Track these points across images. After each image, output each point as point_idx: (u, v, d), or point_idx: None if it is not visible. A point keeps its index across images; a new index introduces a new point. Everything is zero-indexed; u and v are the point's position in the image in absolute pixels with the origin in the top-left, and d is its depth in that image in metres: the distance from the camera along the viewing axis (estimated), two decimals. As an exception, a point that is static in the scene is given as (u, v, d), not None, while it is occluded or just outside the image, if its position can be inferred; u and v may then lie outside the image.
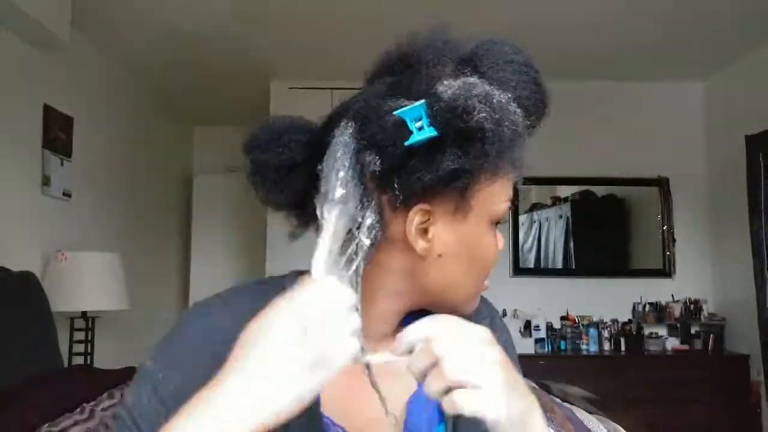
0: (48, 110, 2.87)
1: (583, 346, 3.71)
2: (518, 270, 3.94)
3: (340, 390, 0.61)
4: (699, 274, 3.89)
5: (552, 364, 3.52)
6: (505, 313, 3.79)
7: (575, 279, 3.94)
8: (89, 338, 2.88)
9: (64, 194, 2.98)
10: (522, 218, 3.99)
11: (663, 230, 3.91)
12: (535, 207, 4.05)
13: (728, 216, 3.66)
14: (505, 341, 0.71)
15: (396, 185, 0.56)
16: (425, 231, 0.59)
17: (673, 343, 3.76)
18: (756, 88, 3.45)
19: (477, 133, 0.53)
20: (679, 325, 3.78)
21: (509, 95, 0.55)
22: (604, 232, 4.07)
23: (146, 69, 3.83)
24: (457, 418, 0.64)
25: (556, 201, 4.04)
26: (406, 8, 2.99)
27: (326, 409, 0.61)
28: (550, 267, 4.00)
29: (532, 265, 3.99)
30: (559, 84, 4.40)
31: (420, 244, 0.59)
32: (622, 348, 3.69)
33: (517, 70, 0.59)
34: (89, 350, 2.88)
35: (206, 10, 3.02)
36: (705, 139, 3.98)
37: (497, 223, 0.63)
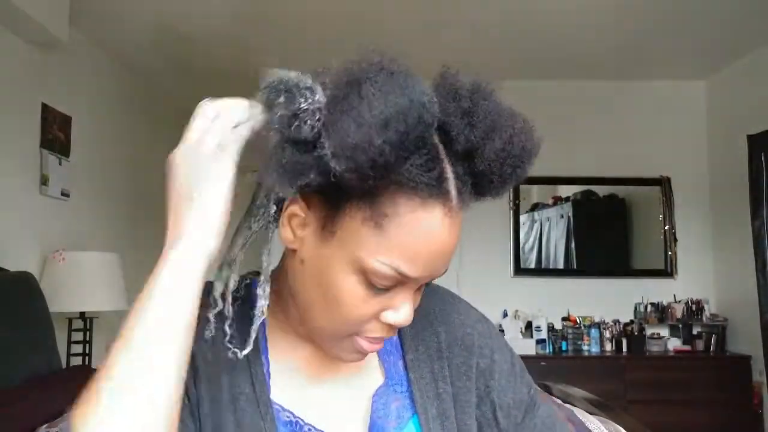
0: (46, 109, 2.85)
1: (585, 347, 3.68)
2: (519, 270, 3.93)
3: (293, 382, 0.63)
4: (701, 274, 3.87)
5: (553, 365, 3.50)
6: (506, 314, 3.77)
7: (577, 279, 3.92)
8: (87, 339, 2.86)
9: (62, 194, 2.96)
10: (523, 218, 3.97)
11: (665, 230, 3.90)
12: (536, 207, 4.03)
13: (730, 216, 3.64)
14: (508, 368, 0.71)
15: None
16: (303, 228, 0.56)
17: (674, 343, 3.74)
18: (758, 87, 3.43)
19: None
20: (681, 326, 3.76)
21: (311, 83, 0.51)
22: (606, 231, 4.06)
23: (145, 68, 3.81)
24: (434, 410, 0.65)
25: (558, 201, 4.02)
26: (405, 7, 2.97)
27: (276, 398, 0.61)
28: (551, 267, 3.98)
29: (533, 266, 3.97)
30: (560, 83, 4.41)
31: (286, 232, 0.57)
32: (624, 349, 3.67)
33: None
34: (87, 351, 2.86)
35: (205, 10, 3.00)
36: (707, 139, 3.96)
37: (386, 289, 0.54)
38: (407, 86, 0.48)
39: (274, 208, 0.57)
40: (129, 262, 3.13)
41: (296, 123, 0.49)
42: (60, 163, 2.94)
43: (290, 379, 0.63)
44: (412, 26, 3.16)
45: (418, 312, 0.61)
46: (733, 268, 3.66)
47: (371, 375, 0.66)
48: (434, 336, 0.69)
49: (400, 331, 0.67)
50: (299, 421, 0.61)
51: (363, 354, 0.60)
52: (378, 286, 0.54)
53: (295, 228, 0.57)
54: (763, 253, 3.16)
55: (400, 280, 0.54)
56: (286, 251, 0.62)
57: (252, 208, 0.57)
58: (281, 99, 0.50)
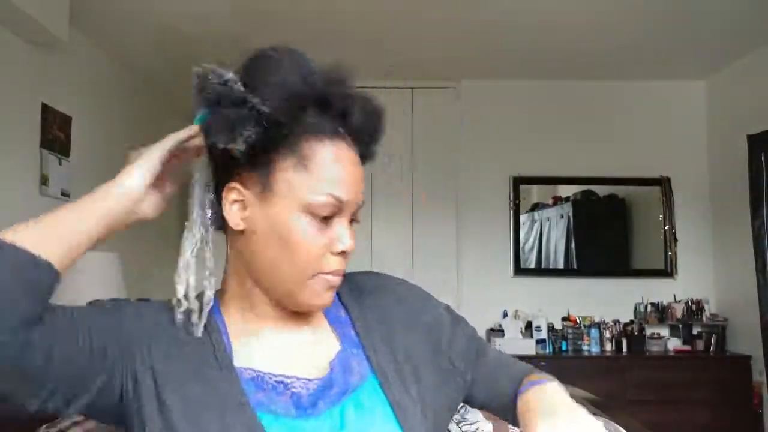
0: (46, 109, 2.85)
1: (585, 347, 3.68)
2: (519, 270, 3.93)
3: (253, 351, 0.71)
4: (701, 274, 3.87)
5: (553, 365, 3.50)
6: (506, 314, 3.77)
7: (577, 279, 3.92)
8: (88, 339, 2.85)
9: (62, 194, 2.96)
10: (523, 218, 3.97)
11: (665, 230, 3.90)
12: (536, 207, 4.03)
13: (730, 216, 3.64)
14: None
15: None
16: (245, 209, 0.69)
17: (674, 343, 3.74)
18: (758, 87, 3.43)
19: None
20: (681, 326, 3.76)
21: (233, 76, 0.66)
22: (606, 231, 4.05)
23: (145, 68, 3.81)
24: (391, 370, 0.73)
25: (558, 201, 4.02)
26: (405, 6, 2.97)
27: (238, 364, 0.69)
28: (551, 267, 3.98)
29: (533, 266, 3.97)
30: (561, 84, 4.41)
31: (233, 219, 0.69)
32: (624, 349, 3.67)
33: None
34: (88, 351, 2.85)
35: (205, 9, 3.00)
36: (707, 139, 3.96)
37: (327, 217, 0.67)
38: (303, 57, 0.69)
39: (210, 212, 0.72)
40: (129, 262, 3.12)
41: (228, 86, 0.65)
42: (60, 163, 2.94)
43: (250, 349, 0.71)
44: (412, 25, 3.16)
45: (358, 289, 0.79)
46: (733, 268, 3.66)
47: (327, 342, 0.75)
48: (377, 303, 0.79)
49: (347, 306, 0.78)
50: (259, 373, 0.69)
51: (332, 288, 0.71)
52: (321, 215, 0.67)
53: (239, 212, 0.69)
54: (763, 253, 3.16)
55: (336, 206, 0.67)
56: (228, 249, 0.73)
57: (189, 223, 0.71)
58: (211, 76, 0.67)
